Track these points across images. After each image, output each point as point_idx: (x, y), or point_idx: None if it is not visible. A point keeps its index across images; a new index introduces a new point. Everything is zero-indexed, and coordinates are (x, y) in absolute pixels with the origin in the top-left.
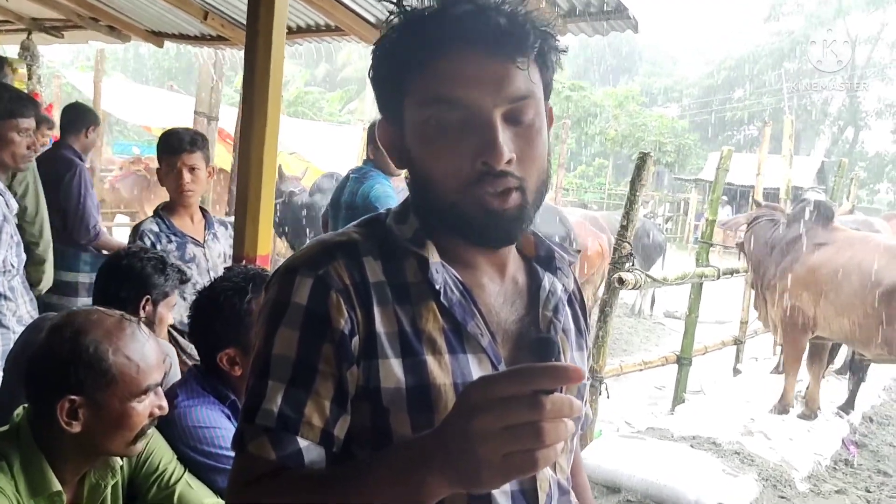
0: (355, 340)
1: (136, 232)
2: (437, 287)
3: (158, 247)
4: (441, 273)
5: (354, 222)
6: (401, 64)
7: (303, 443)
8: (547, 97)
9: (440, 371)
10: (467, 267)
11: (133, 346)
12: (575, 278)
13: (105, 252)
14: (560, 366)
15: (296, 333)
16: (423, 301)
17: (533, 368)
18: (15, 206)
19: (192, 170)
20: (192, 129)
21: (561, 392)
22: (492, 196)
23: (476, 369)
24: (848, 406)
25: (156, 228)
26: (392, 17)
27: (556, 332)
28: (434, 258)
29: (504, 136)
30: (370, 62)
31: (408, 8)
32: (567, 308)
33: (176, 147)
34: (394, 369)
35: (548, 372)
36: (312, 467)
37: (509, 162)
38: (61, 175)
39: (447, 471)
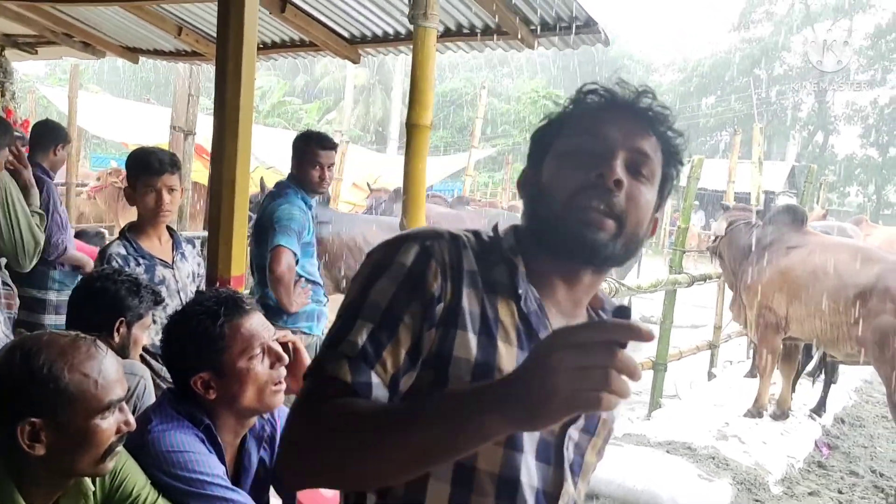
0: (440, 307)
1: (103, 256)
2: (520, 292)
3: (126, 270)
4: (525, 283)
5: (467, 229)
6: (560, 121)
7: (374, 378)
8: (659, 199)
9: (507, 357)
10: (545, 292)
11: (89, 363)
12: None
13: (74, 267)
14: (634, 324)
15: (392, 286)
16: (507, 299)
17: (611, 322)
18: None
19: (170, 191)
20: (168, 150)
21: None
22: (594, 211)
23: None
24: (820, 408)
25: (123, 251)
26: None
27: None
28: (522, 269)
29: (620, 168)
30: (543, 128)
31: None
32: None
33: (157, 168)
34: (469, 342)
35: (624, 326)
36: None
37: (618, 184)
38: None
39: (511, 404)
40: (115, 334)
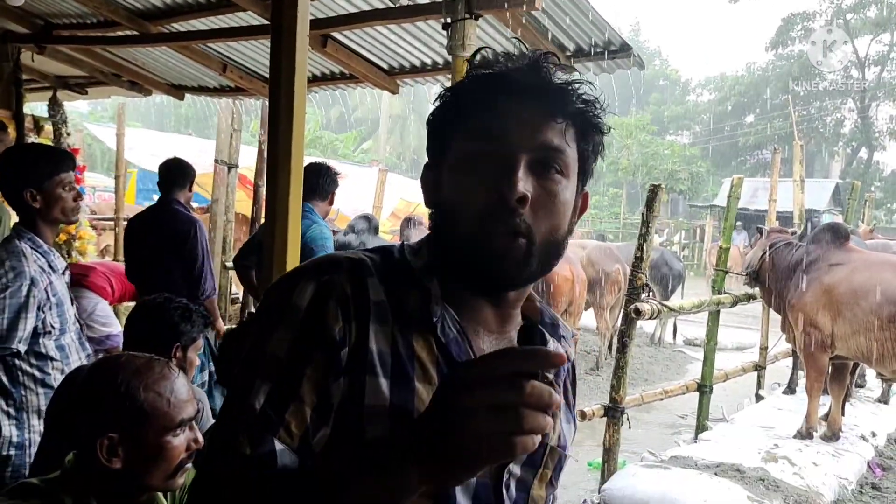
0: (345, 352)
1: None
2: (435, 319)
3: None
4: (440, 308)
5: (366, 248)
6: (454, 108)
7: (278, 446)
8: (583, 179)
9: (428, 398)
10: (468, 312)
11: (163, 382)
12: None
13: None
14: (541, 349)
15: (289, 334)
16: (422, 331)
17: (516, 350)
18: (60, 265)
19: None
20: None
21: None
22: (500, 235)
23: None
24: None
25: None
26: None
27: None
28: (436, 292)
29: (524, 178)
30: (432, 109)
31: (479, 70)
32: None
33: None
34: (381, 388)
35: (530, 354)
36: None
37: (522, 201)
38: (184, 231)
39: (425, 460)
40: (173, 359)
